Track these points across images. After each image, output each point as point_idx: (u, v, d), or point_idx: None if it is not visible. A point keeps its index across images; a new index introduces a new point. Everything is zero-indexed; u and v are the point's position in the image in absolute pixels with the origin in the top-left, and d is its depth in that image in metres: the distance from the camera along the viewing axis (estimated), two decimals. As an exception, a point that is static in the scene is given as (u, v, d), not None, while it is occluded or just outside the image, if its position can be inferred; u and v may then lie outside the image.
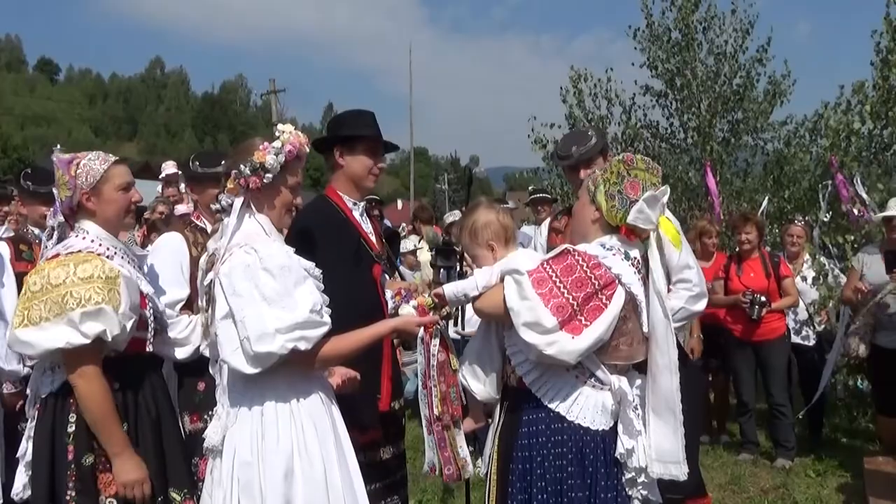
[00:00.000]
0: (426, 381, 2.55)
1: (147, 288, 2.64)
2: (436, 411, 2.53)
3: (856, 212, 6.63)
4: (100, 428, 2.40)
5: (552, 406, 2.37)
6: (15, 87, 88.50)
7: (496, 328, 2.54)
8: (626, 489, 2.40)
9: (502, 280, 2.41)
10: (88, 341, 2.34)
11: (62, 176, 2.54)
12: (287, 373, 2.32)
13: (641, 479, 2.40)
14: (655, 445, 2.40)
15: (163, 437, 2.60)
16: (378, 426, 3.00)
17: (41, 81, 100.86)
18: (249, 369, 2.24)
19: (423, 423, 2.61)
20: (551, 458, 2.35)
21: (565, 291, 2.28)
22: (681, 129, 9.98)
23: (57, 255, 2.48)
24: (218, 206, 2.49)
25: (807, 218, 7.55)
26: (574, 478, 2.34)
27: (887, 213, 5.08)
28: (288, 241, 2.79)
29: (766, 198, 8.33)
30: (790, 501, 4.86)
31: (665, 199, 2.44)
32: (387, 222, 8.58)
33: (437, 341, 2.53)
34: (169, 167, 6.80)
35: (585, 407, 2.37)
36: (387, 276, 3.18)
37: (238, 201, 2.40)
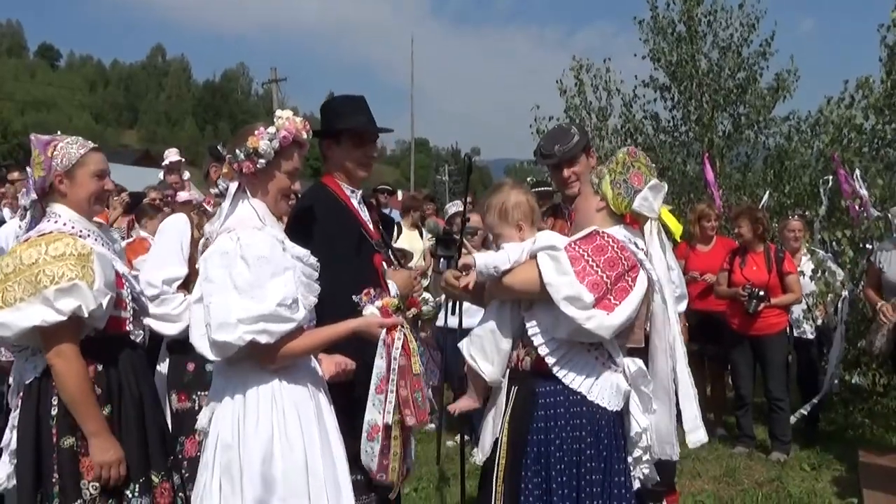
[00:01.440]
0: (381, 386, 2.43)
1: (122, 268, 2.65)
2: (388, 418, 2.39)
3: (857, 207, 6.62)
4: (77, 407, 2.39)
5: (574, 386, 2.41)
6: (16, 73, 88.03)
7: (511, 310, 2.55)
8: (631, 468, 2.47)
9: (531, 259, 2.44)
10: (64, 318, 2.34)
11: (38, 156, 2.55)
12: None
13: (647, 457, 2.49)
14: (653, 425, 2.49)
15: (145, 419, 2.60)
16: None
17: (42, 67, 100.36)
18: (211, 356, 2.25)
19: (366, 427, 2.43)
20: (569, 440, 2.40)
21: (599, 270, 2.34)
22: (682, 122, 9.95)
23: (28, 239, 2.48)
24: (216, 190, 2.51)
25: (806, 213, 7.54)
26: (592, 460, 2.39)
27: None
28: (287, 228, 2.78)
29: (767, 192, 8.32)
30: (784, 494, 4.87)
31: (664, 191, 2.53)
32: (396, 214, 8.40)
33: (399, 344, 2.43)
34: (172, 154, 6.79)
35: (604, 388, 2.43)
36: (385, 266, 3.17)
37: (233, 186, 2.42)
